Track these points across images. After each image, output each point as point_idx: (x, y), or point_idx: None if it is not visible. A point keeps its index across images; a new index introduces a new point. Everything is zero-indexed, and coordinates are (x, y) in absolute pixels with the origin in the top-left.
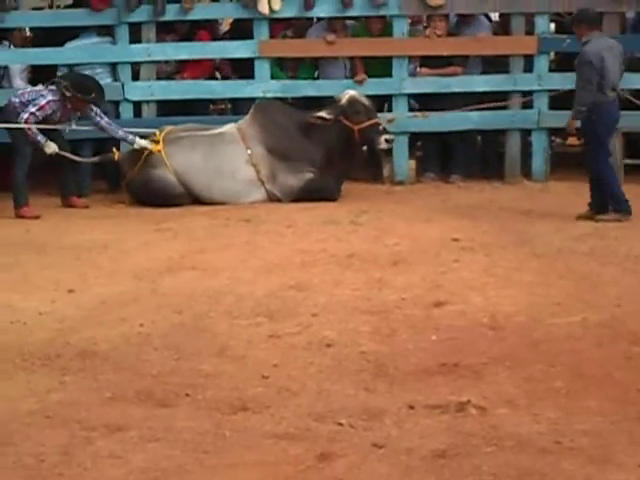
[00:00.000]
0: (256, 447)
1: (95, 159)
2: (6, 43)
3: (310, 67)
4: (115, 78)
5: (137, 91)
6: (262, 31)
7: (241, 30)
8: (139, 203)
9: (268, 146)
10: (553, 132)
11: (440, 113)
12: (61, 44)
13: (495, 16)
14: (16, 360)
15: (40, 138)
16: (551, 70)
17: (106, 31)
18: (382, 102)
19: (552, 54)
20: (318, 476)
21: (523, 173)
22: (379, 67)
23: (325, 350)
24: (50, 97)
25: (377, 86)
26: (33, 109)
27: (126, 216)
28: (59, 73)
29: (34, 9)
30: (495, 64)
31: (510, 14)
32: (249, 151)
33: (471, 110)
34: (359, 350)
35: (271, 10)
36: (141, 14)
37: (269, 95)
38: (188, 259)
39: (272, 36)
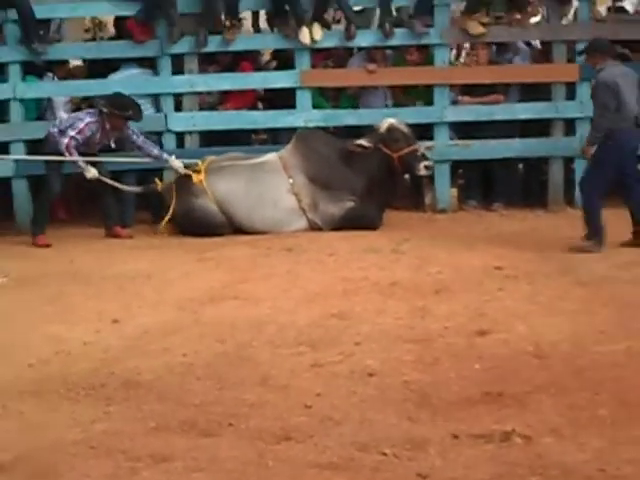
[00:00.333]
0: (299, 477)
1: (137, 189)
2: (50, 75)
3: (351, 96)
4: (158, 109)
5: (180, 122)
6: (304, 61)
7: (282, 60)
8: (181, 233)
9: (310, 175)
10: None
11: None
12: (101, 76)
13: (537, 43)
14: (61, 390)
15: (81, 162)
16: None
17: (147, 62)
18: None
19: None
20: None
21: (566, 201)
22: (421, 96)
23: (368, 379)
24: (88, 119)
25: (419, 114)
26: (73, 133)
27: (168, 246)
28: None
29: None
30: (533, 91)
31: (552, 42)
32: (291, 180)
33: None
34: (402, 379)
35: (312, 40)
36: (183, 45)
37: (311, 124)
38: (230, 289)
39: (313, 66)
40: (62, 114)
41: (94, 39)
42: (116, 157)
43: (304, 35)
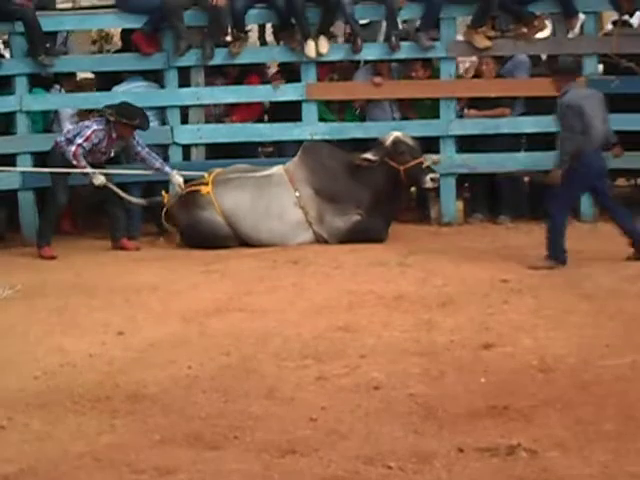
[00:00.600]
0: None
1: (144, 201)
2: (57, 87)
3: (355, 110)
4: (164, 122)
5: (186, 135)
6: (309, 74)
7: (288, 73)
8: (187, 245)
9: (316, 188)
10: None
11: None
12: (109, 88)
13: (543, 57)
14: (66, 402)
15: (89, 169)
16: None
17: (152, 75)
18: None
19: None
20: None
21: (572, 214)
22: (426, 109)
23: (373, 392)
24: (95, 126)
25: (424, 128)
26: (80, 140)
27: (174, 258)
28: None
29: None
30: (538, 104)
31: (558, 55)
32: (297, 193)
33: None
34: (408, 392)
35: (318, 54)
36: (190, 58)
37: (317, 137)
38: (236, 301)
39: (319, 79)
40: (68, 126)
41: (101, 51)
42: (121, 169)
43: (310, 48)
